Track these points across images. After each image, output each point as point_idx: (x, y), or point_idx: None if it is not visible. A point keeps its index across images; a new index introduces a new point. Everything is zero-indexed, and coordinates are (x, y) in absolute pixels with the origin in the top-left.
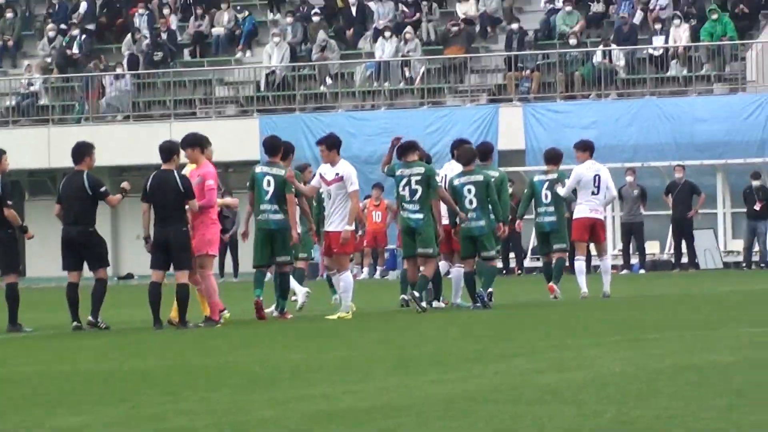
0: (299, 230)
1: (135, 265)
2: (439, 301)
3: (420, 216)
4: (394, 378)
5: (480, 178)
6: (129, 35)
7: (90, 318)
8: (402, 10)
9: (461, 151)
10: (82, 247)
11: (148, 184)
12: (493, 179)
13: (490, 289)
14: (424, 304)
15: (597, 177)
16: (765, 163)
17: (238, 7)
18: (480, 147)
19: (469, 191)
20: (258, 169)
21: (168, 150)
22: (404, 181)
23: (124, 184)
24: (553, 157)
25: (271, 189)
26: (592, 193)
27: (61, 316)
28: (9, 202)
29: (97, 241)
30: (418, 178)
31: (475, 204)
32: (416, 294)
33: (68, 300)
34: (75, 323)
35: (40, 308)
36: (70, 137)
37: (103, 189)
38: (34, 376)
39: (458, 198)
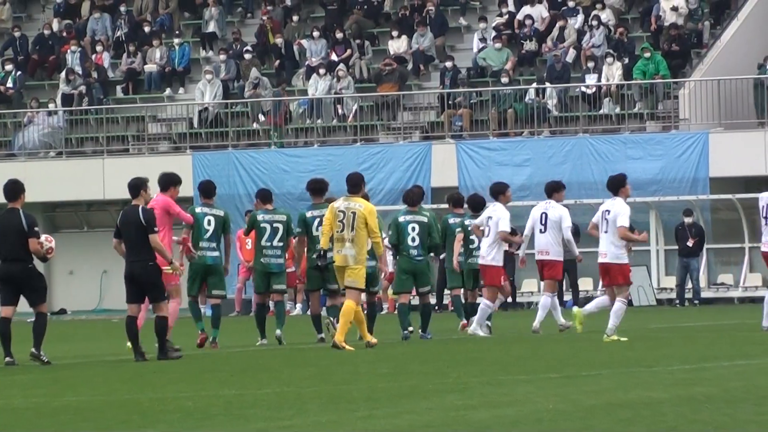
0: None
1: (67, 300)
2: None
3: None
4: (326, 414)
5: (425, 219)
6: (63, 73)
7: (33, 350)
8: (331, 54)
9: (409, 193)
10: (23, 283)
11: (119, 219)
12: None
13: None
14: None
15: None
16: (698, 200)
17: (177, 39)
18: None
19: (413, 229)
20: (198, 209)
21: (134, 186)
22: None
23: None
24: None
25: (211, 228)
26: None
27: None
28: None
29: (37, 277)
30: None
31: (417, 241)
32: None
33: (1, 335)
34: (7, 358)
35: None
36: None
37: (36, 228)
38: None
39: (402, 235)
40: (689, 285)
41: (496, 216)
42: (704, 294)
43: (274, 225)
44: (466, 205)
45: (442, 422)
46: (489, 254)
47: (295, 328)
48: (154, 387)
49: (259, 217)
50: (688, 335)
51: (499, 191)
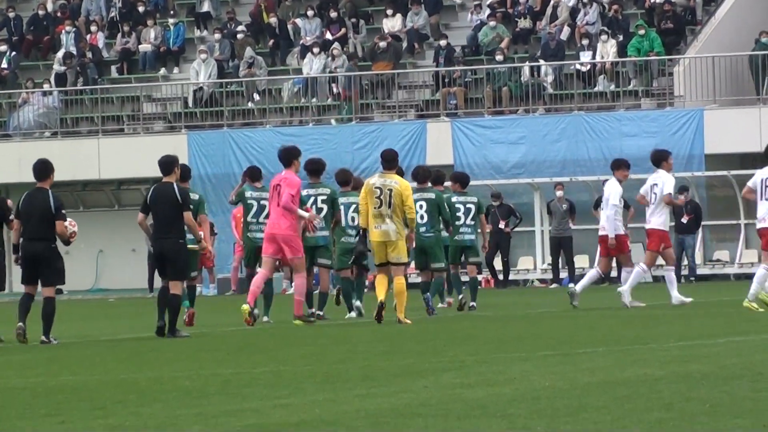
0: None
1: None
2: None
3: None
4: (323, 393)
5: (432, 195)
6: (60, 53)
7: (43, 338)
8: (326, 33)
9: (419, 170)
10: (43, 262)
11: (148, 196)
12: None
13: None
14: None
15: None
16: (693, 177)
17: (172, 18)
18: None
19: (421, 207)
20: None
21: (167, 163)
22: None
23: None
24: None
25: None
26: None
27: None
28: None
29: (57, 257)
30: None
31: (426, 218)
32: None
33: (21, 305)
34: (20, 324)
35: None
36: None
37: (63, 211)
38: None
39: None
40: (685, 262)
41: (661, 182)
42: (700, 271)
43: (261, 202)
44: (448, 183)
45: (439, 400)
46: (653, 219)
47: (290, 306)
48: (151, 366)
49: (248, 194)
50: (683, 312)
51: (661, 158)
